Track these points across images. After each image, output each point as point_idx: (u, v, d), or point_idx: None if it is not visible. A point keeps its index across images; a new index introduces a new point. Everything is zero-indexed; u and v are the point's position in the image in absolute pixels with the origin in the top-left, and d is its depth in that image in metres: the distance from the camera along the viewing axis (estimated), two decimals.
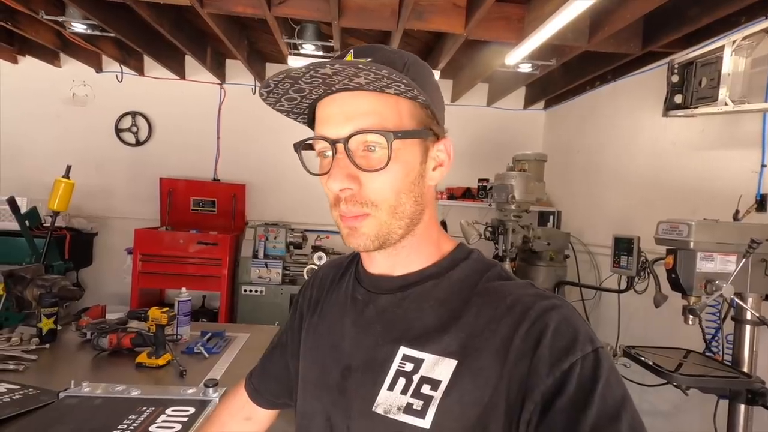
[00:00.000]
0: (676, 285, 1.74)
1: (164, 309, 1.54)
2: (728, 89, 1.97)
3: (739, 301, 1.69)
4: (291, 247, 3.73)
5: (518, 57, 2.71)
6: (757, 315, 1.69)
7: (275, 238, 3.64)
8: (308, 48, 3.03)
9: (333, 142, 0.55)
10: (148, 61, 3.86)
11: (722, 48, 1.99)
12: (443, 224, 3.86)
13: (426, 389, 0.53)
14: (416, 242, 0.61)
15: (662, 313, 2.13)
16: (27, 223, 2.75)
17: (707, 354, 1.93)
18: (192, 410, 1.18)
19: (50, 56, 3.80)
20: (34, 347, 1.56)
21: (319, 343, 0.67)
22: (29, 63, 3.83)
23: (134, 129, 4.02)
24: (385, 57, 0.56)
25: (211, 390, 1.27)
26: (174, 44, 3.12)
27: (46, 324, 1.63)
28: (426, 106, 0.57)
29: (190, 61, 3.93)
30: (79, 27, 2.85)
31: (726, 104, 1.97)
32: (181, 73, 3.97)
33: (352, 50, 0.58)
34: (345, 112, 0.54)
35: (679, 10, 2.27)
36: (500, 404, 0.50)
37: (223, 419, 0.83)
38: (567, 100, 3.85)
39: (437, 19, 2.53)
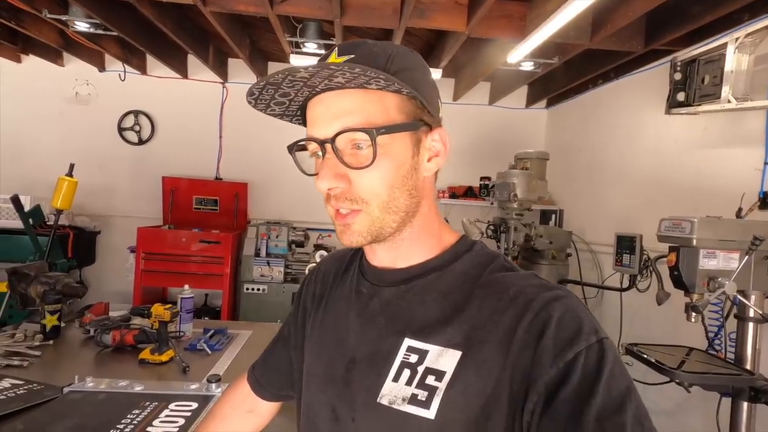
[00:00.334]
0: (678, 282, 1.74)
1: (167, 306, 1.54)
2: (731, 87, 1.96)
3: (741, 299, 1.69)
4: (293, 246, 3.73)
5: (520, 55, 2.71)
6: (760, 312, 1.69)
7: (277, 237, 3.65)
8: (310, 46, 3.02)
9: (321, 143, 0.55)
10: (151, 60, 3.87)
11: (725, 45, 1.98)
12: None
13: (431, 380, 0.53)
14: (416, 234, 0.61)
15: (664, 311, 2.13)
16: (30, 221, 2.76)
17: (710, 352, 1.93)
18: (195, 405, 1.18)
19: (53, 55, 3.81)
20: (38, 343, 1.56)
21: (325, 337, 0.67)
22: (32, 62, 3.85)
23: (137, 128, 4.04)
24: (368, 52, 0.56)
25: (214, 385, 1.27)
26: (177, 43, 3.13)
27: (50, 321, 1.63)
28: (413, 97, 0.56)
29: (192, 60, 3.94)
30: (82, 26, 2.86)
31: (729, 102, 1.97)
32: (183, 72, 3.98)
33: (336, 48, 0.57)
34: (331, 112, 0.54)
35: (682, 8, 2.27)
36: (503, 395, 0.50)
37: (224, 412, 0.83)
38: (569, 98, 3.85)
39: (439, 17, 2.53)
